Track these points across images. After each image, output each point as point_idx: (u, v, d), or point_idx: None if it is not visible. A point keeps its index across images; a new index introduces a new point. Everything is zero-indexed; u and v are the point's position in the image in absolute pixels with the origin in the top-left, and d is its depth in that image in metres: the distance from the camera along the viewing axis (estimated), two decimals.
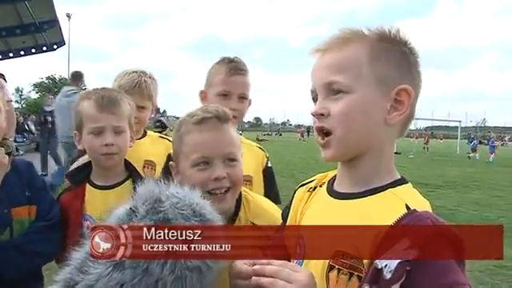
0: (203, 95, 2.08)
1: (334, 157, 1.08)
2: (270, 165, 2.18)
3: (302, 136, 48.77)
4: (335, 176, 1.18)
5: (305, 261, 1.08)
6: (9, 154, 1.64)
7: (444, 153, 29.55)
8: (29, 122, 18.15)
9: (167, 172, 2.04)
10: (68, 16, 41.51)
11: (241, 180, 1.44)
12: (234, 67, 2.02)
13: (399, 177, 1.09)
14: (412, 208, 0.96)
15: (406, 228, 0.91)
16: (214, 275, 1.06)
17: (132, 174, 1.84)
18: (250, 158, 1.99)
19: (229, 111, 1.46)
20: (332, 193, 1.13)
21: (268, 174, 2.14)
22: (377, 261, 0.89)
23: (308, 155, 19.70)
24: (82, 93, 1.98)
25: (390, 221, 0.94)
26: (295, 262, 1.12)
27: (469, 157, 25.89)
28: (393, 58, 1.05)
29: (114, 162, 1.78)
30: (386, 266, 0.88)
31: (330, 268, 1.00)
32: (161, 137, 2.47)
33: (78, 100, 1.87)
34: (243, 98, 2.03)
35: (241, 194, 1.48)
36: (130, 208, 1.07)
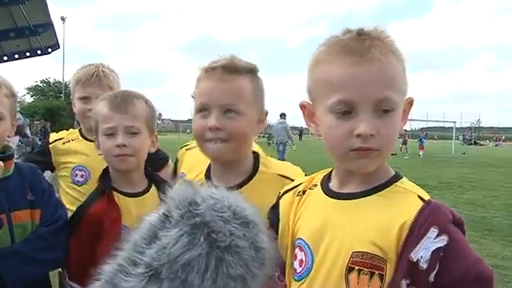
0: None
1: (372, 169, 1.06)
2: None
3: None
4: (326, 177, 1.18)
5: (314, 266, 1.06)
6: (10, 156, 1.60)
7: (439, 153, 29.64)
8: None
9: None
10: (62, 19, 41.40)
11: (240, 134, 1.39)
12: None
13: (394, 172, 1.11)
14: (426, 199, 1.00)
15: (430, 217, 0.95)
16: (260, 283, 0.97)
17: (153, 179, 1.76)
18: None
19: (243, 62, 1.44)
20: (332, 194, 1.12)
21: None
22: (411, 254, 0.92)
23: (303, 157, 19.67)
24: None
25: (410, 213, 0.97)
26: (301, 269, 1.09)
27: (419, 155, 26.31)
28: (405, 69, 1.07)
29: (128, 164, 1.66)
30: (421, 257, 0.92)
31: (349, 270, 0.99)
32: None
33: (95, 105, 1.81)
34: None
35: (258, 154, 1.51)
36: (163, 213, 0.97)
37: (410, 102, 1.09)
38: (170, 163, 2.22)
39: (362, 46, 1.00)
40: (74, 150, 2.28)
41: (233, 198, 0.99)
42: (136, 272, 0.91)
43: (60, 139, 2.33)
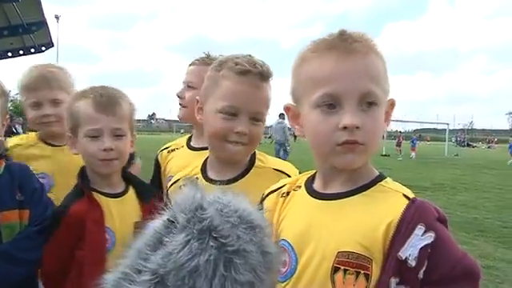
0: None
1: (358, 165, 1.06)
2: None
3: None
4: (310, 179, 1.18)
5: (299, 267, 1.05)
6: (0, 156, 1.57)
7: (432, 155, 29.79)
8: (16, 125, 17.87)
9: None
10: (56, 17, 41.19)
11: (259, 139, 1.49)
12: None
13: (378, 172, 1.12)
14: (411, 197, 1.01)
15: (416, 215, 0.95)
16: None
17: (130, 180, 1.71)
18: None
19: (268, 67, 1.46)
20: (316, 195, 1.12)
21: None
22: (399, 252, 0.93)
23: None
24: (78, 91, 1.74)
25: (396, 212, 0.97)
26: (285, 270, 1.07)
27: (410, 157, 26.43)
28: (386, 71, 1.08)
29: (112, 168, 1.61)
30: (409, 255, 0.92)
31: (335, 270, 0.99)
32: None
33: (71, 99, 1.70)
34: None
35: (255, 151, 1.56)
36: (168, 219, 0.94)
37: (392, 104, 1.11)
38: (138, 161, 2.12)
39: (346, 43, 1.03)
40: (33, 156, 2.06)
41: (239, 203, 0.96)
42: (141, 279, 0.88)
43: (18, 145, 2.10)
